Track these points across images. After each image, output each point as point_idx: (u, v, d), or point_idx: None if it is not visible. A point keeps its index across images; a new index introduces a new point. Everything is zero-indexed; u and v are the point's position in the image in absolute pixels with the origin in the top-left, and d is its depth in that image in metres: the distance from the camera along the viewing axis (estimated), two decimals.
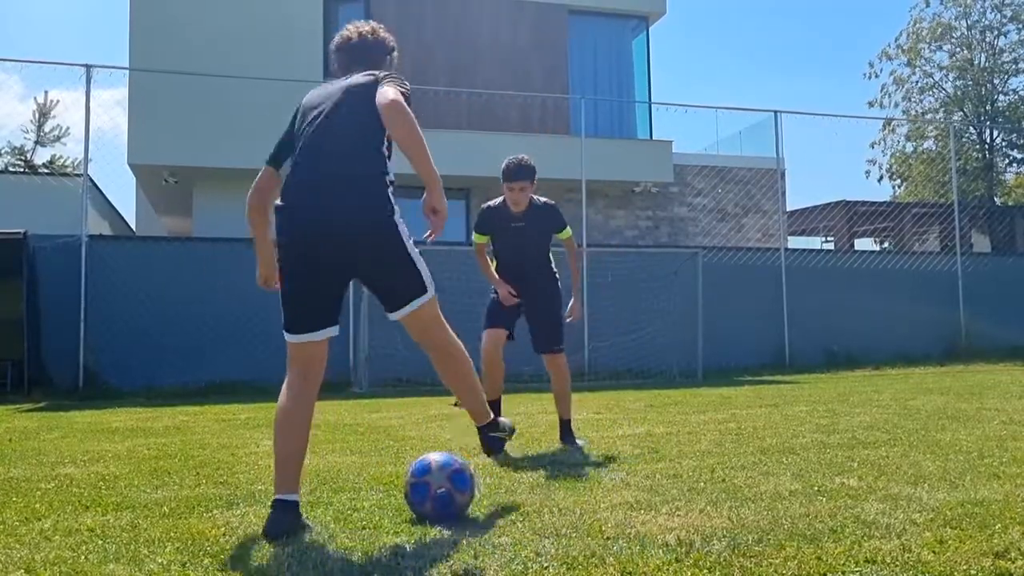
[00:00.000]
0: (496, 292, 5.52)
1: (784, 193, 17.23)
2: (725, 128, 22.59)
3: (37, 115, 24.22)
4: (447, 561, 2.60)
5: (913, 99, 30.79)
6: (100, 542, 2.95)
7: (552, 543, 2.78)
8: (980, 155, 28.65)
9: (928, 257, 16.50)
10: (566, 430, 5.48)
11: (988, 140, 28.77)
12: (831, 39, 62.60)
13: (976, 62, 29.04)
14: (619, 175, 16.07)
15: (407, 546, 2.80)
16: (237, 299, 12.33)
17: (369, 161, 3.29)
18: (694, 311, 13.39)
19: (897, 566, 2.43)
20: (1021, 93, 29.54)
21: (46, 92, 24.78)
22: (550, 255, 5.68)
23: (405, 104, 3.17)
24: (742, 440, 5.39)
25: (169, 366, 11.76)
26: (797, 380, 12.18)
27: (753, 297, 14.68)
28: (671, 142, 16.57)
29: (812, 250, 16.93)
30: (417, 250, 3.36)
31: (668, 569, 2.47)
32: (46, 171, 22.91)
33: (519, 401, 9.22)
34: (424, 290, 3.33)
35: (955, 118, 28.84)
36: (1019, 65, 29.20)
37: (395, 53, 3.65)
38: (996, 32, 29.14)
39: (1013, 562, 2.45)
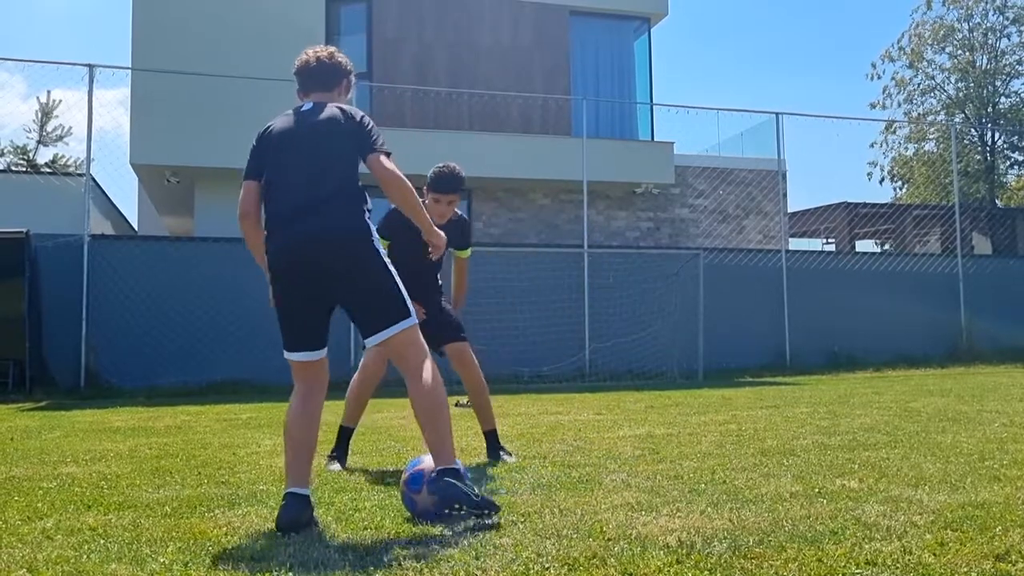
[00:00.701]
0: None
1: (785, 195, 17.24)
2: (726, 129, 22.57)
3: (40, 115, 24.27)
4: (449, 562, 2.61)
5: (915, 101, 30.81)
6: (102, 541, 2.96)
7: (553, 544, 2.79)
8: (981, 157, 28.65)
9: (929, 259, 16.50)
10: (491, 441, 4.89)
11: (989, 142, 28.77)
12: (833, 41, 62.63)
13: (978, 64, 29.04)
14: (620, 176, 16.07)
15: (409, 546, 2.80)
16: (239, 299, 12.35)
17: (347, 194, 3.44)
18: (695, 312, 13.39)
19: (898, 568, 2.44)
20: (1022, 95, 29.56)
21: (48, 92, 24.86)
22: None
23: (398, 172, 3.50)
24: (743, 441, 5.39)
25: (171, 365, 11.77)
26: (798, 381, 12.18)
27: (754, 298, 14.68)
28: (672, 143, 16.58)
29: (813, 252, 16.92)
30: (396, 277, 3.42)
31: (669, 570, 2.47)
32: (48, 171, 22.96)
33: (518, 402, 9.22)
34: (403, 317, 3.39)
35: (956, 120, 28.84)
36: (1021, 67, 29.21)
37: (352, 77, 3.84)
38: (998, 34, 29.15)
39: (1014, 564, 2.46)
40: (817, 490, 3.65)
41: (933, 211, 21.23)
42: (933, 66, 30.18)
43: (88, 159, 12.34)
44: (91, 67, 12.20)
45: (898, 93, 30.90)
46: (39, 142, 24.70)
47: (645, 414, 7.57)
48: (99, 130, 46.38)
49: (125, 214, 20.09)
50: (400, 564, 2.59)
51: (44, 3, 52.78)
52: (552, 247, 14.68)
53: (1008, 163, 30.21)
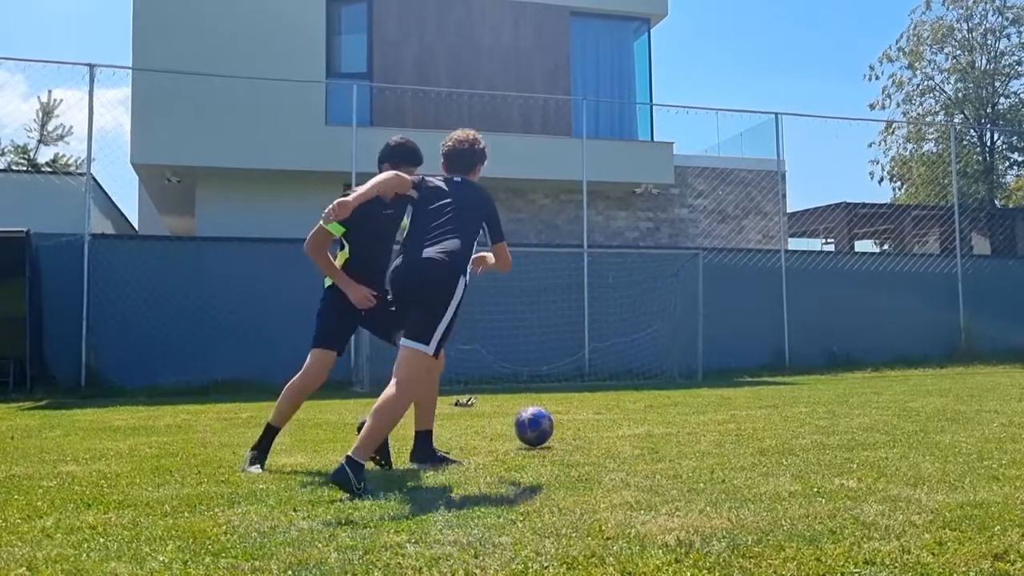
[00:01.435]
0: (335, 298, 4.82)
1: (784, 195, 17.25)
2: (726, 130, 22.59)
3: (40, 114, 24.26)
4: (448, 560, 2.61)
5: (914, 101, 30.81)
6: (102, 540, 2.96)
7: (552, 543, 2.79)
8: (980, 158, 28.65)
9: (928, 259, 16.51)
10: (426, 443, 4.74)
11: (989, 143, 28.78)
12: (832, 41, 62.63)
13: (977, 65, 29.04)
14: (620, 176, 16.08)
15: (408, 545, 2.81)
16: (239, 298, 12.38)
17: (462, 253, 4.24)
18: (694, 312, 13.40)
19: (896, 567, 2.44)
20: (1022, 96, 29.56)
21: (49, 91, 24.85)
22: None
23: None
24: (742, 441, 5.40)
25: (171, 364, 11.78)
26: (797, 381, 12.19)
27: (753, 298, 14.69)
28: (672, 143, 16.58)
29: (812, 252, 16.94)
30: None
31: (668, 569, 2.48)
32: (49, 170, 22.95)
33: (517, 401, 9.23)
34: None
35: (956, 120, 28.84)
36: (1020, 68, 29.21)
37: (486, 162, 4.72)
38: (997, 35, 29.15)
39: (1012, 564, 2.46)
40: (816, 489, 3.65)
41: (932, 211, 21.24)
42: (932, 66, 30.20)
43: (89, 159, 12.36)
44: (92, 67, 12.21)
45: (896, 93, 30.92)
46: (40, 141, 24.71)
47: (644, 414, 7.58)
48: (100, 130, 46.42)
49: (126, 213, 20.09)
50: (400, 564, 2.59)
51: (45, 3, 52.81)
52: (552, 247, 14.69)
53: (1007, 163, 30.21)
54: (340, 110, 14.51)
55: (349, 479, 3.59)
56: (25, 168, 23.21)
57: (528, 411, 5.34)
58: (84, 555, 2.76)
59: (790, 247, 17.37)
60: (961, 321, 15.79)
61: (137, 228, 20.03)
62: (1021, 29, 29.02)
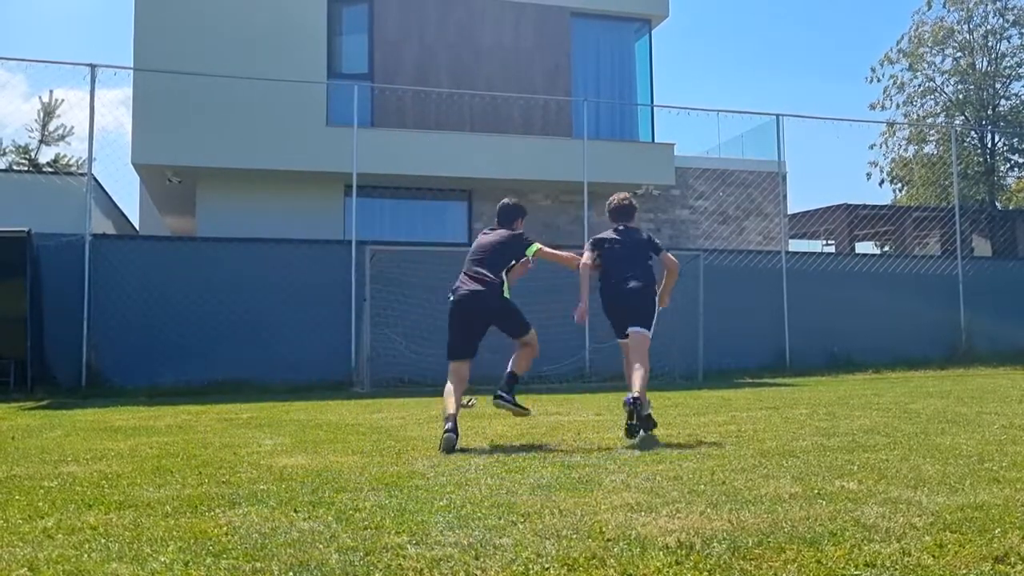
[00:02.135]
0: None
1: (785, 196, 17.24)
2: (727, 131, 22.55)
3: (41, 114, 24.27)
4: (449, 562, 2.62)
5: (915, 103, 30.78)
6: (103, 541, 2.97)
7: (553, 544, 2.80)
8: (981, 159, 28.63)
9: (929, 261, 16.51)
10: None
11: (989, 144, 28.76)
12: (834, 42, 62.62)
13: (978, 66, 29.03)
14: (621, 177, 16.06)
15: (409, 547, 2.81)
16: (240, 299, 12.38)
17: (652, 276, 6.56)
18: (695, 313, 13.39)
19: (897, 570, 2.45)
20: (1023, 97, 29.54)
21: (51, 91, 24.84)
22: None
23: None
24: (742, 442, 5.40)
25: (172, 365, 11.78)
26: (797, 383, 12.19)
27: (754, 300, 14.69)
28: (673, 145, 16.58)
29: (813, 253, 16.93)
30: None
31: (668, 571, 2.48)
32: (50, 170, 22.96)
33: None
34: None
35: (956, 122, 28.85)
36: (1021, 70, 29.18)
37: (637, 212, 6.73)
38: (998, 36, 29.12)
39: (1013, 567, 2.47)
40: (816, 491, 3.65)
41: (933, 213, 21.23)
42: (933, 68, 30.18)
43: (90, 159, 12.36)
44: (93, 67, 12.21)
45: (897, 94, 30.91)
46: (41, 141, 24.70)
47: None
48: (101, 130, 46.44)
49: (127, 213, 20.10)
50: (401, 565, 2.60)
51: (46, 3, 52.81)
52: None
53: (1008, 165, 30.19)
54: (341, 110, 14.51)
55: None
56: (26, 168, 23.22)
57: None
58: (85, 556, 2.76)
59: (791, 248, 17.37)
60: (962, 323, 15.78)
61: (138, 228, 20.04)
62: (1022, 31, 29.01)
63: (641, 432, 5.75)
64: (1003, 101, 29.26)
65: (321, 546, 2.84)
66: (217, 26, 14.53)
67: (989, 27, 29.15)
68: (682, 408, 8.17)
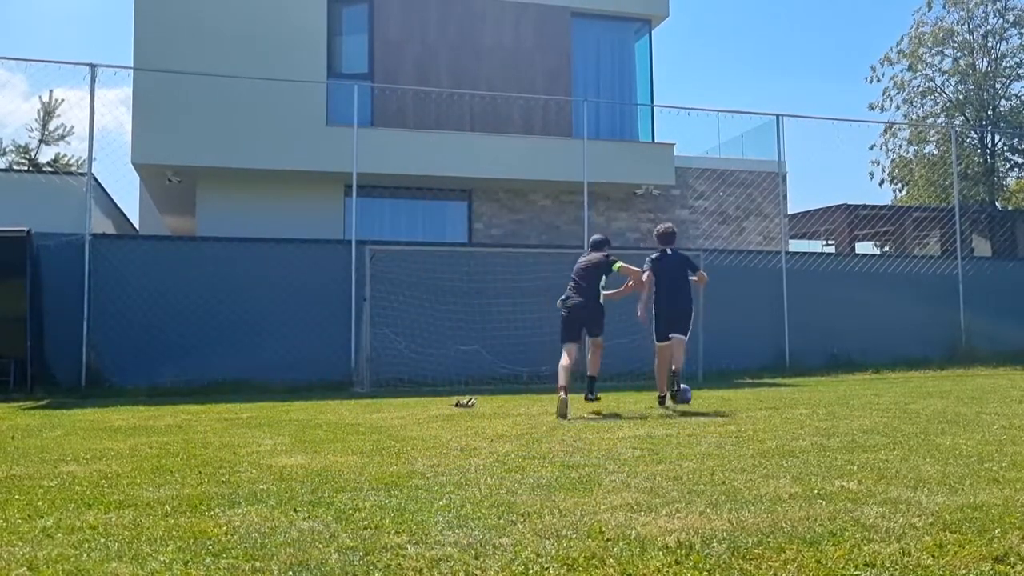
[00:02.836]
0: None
1: (785, 196, 17.24)
2: (727, 131, 22.52)
3: (42, 114, 24.25)
4: (448, 561, 2.61)
5: (915, 103, 30.79)
6: (102, 540, 2.97)
7: (552, 544, 2.80)
8: (981, 160, 28.64)
9: (929, 261, 16.50)
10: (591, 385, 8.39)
11: (990, 145, 28.76)
12: (834, 42, 62.60)
13: (978, 67, 29.03)
14: (621, 177, 16.07)
15: (408, 546, 2.81)
16: (240, 299, 12.38)
17: (690, 294, 8.52)
18: (694, 313, 13.37)
19: (896, 570, 2.45)
20: (1023, 98, 29.53)
21: (51, 91, 24.81)
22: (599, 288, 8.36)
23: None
24: (742, 443, 5.40)
25: (172, 364, 11.78)
26: (797, 383, 12.19)
27: (754, 299, 14.68)
28: (673, 145, 16.58)
29: (813, 253, 16.92)
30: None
31: (668, 571, 2.48)
32: (50, 169, 22.94)
33: (518, 402, 9.24)
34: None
35: (956, 122, 28.84)
36: (1021, 70, 29.18)
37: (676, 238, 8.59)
38: (998, 37, 29.12)
39: (1012, 567, 2.47)
40: (816, 491, 3.65)
41: (933, 213, 21.23)
42: (933, 68, 30.17)
43: (90, 158, 12.35)
44: (93, 67, 12.21)
45: (897, 95, 30.90)
46: (41, 141, 24.68)
47: (645, 415, 7.58)
48: (101, 129, 46.39)
49: (127, 213, 20.10)
50: (400, 564, 2.59)
51: (46, 2, 52.81)
52: (553, 248, 14.68)
53: (1008, 165, 30.20)
54: (341, 110, 14.51)
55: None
56: (26, 168, 23.20)
57: None
58: (85, 555, 2.76)
59: (791, 248, 17.36)
60: (962, 323, 15.78)
61: (138, 228, 20.04)
62: (1022, 31, 29.00)
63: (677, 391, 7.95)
64: (1003, 101, 29.26)
65: (321, 546, 2.84)
66: (217, 26, 14.52)
67: (989, 27, 29.16)
68: (682, 408, 8.16)
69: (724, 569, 2.49)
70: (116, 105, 46.63)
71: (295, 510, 3.46)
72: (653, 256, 8.48)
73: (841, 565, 2.50)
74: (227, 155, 14.10)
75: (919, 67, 30.08)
